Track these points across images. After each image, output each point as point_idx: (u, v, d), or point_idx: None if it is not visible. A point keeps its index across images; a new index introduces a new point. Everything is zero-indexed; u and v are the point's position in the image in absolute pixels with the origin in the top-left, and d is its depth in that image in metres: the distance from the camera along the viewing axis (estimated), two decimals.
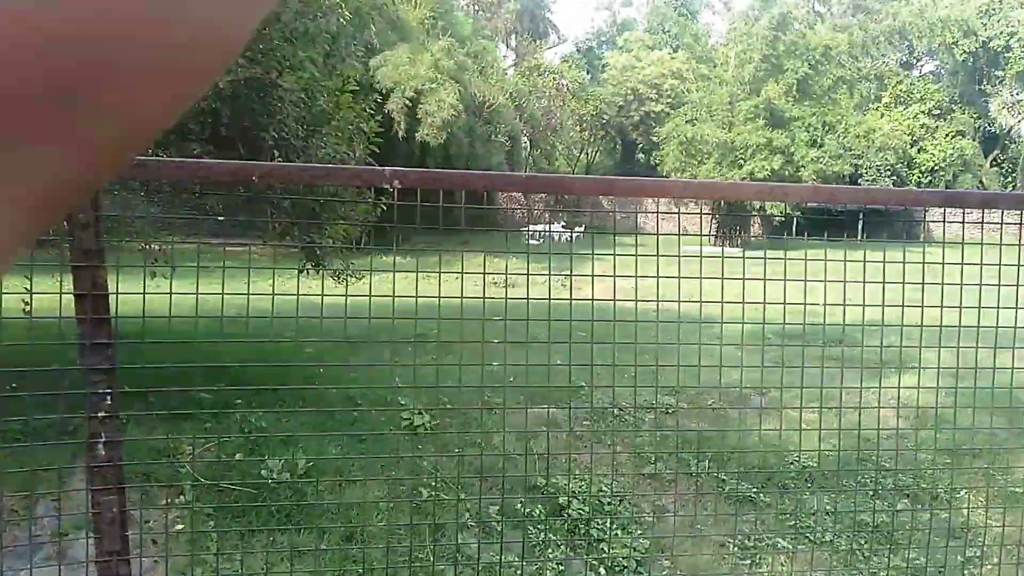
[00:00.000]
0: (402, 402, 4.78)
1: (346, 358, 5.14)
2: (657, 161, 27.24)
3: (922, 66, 38.69)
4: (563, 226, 29.31)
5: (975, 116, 35.31)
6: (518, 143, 23.54)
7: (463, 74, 18.22)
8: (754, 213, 25.08)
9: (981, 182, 36.02)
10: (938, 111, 34.72)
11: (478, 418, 4.79)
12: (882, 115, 32.07)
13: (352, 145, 4.99)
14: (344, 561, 3.66)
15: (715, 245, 24.70)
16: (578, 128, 37.93)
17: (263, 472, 3.75)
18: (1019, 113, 34.48)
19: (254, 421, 4.23)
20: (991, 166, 37.17)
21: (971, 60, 34.50)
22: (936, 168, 33.79)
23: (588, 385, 5.44)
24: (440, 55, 17.23)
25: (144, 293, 2.11)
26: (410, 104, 16.82)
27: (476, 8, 38.74)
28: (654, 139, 29.67)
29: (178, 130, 4.49)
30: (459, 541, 3.85)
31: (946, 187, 33.98)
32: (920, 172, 33.99)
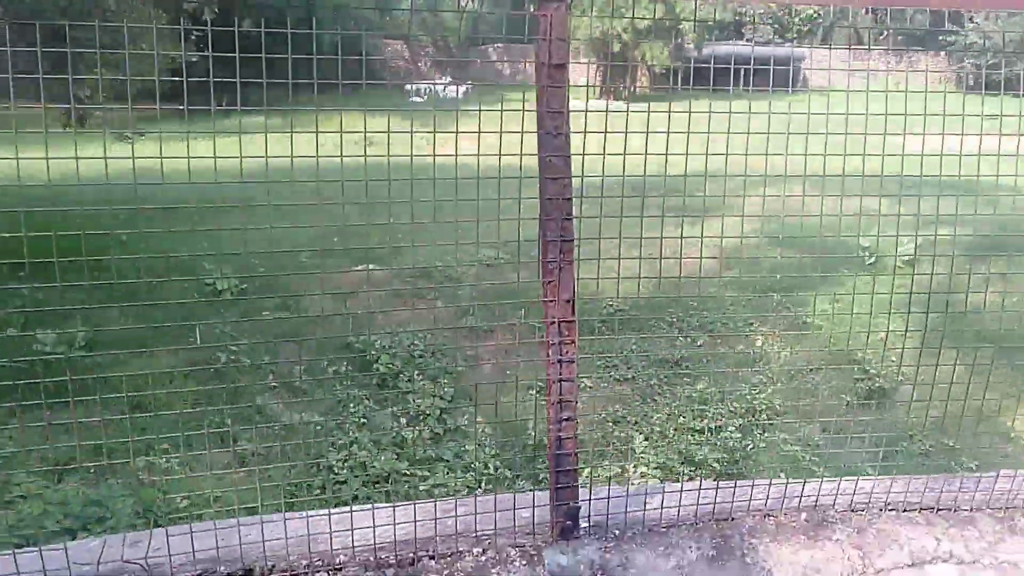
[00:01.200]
0: (208, 267, 4.55)
1: (144, 227, 4.79)
2: None
3: None
4: (449, 81, 28.01)
5: None
6: None
7: None
8: (638, 64, 24.78)
9: (856, 30, 36.83)
10: None
11: (292, 281, 4.65)
12: None
13: None
14: (131, 431, 3.56)
15: (599, 98, 24.47)
16: None
17: (35, 347, 3.52)
18: None
19: (29, 295, 3.92)
20: (866, 13, 37.89)
21: None
22: (815, 16, 34.27)
23: (411, 244, 5.37)
24: None
25: None
26: None
27: None
28: None
29: None
30: (258, 403, 3.82)
31: (823, 34, 34.66)
32: (800, 19, 34.43)
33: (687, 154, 2.07)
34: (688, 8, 22.94)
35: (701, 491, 1.77)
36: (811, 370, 4.59)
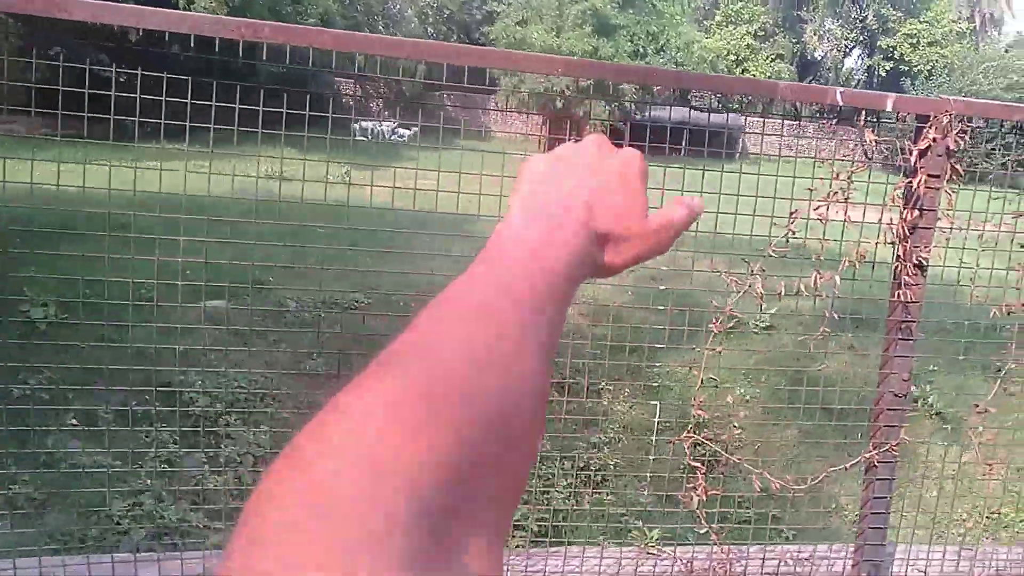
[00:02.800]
0: (28, 295, 4.32)
1: None
2: None
3: None
4: (396, 124, 28.13)
5: (794, 42, 37.31)
6: (332, 27, 21.96)
7: None
8: (583, 118, 25.41)
9: (795, 106, 38.54)
10: (763, 33, 36.32)
11: (121, 314, 4.43)
12: (713, 33, 33.08)
13: None
14: None
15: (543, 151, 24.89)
16: (417, 20, 36.29)
17: None
18: (828, 41, 36.83)
19: None
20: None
21: None
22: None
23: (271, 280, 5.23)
24: None
25: None
26: None
27: None
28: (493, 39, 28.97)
29: None
30: (49, 444, 3.59)
31: (763, 108, 36.10)
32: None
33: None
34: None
35: None
36: (653, 432, 4.57)
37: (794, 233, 2.19)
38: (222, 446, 3.78)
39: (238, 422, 3.92)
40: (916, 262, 2.13)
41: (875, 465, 2.19)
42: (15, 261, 4.25)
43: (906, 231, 2.14)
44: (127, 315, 4.49)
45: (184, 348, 4.52)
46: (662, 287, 4.93)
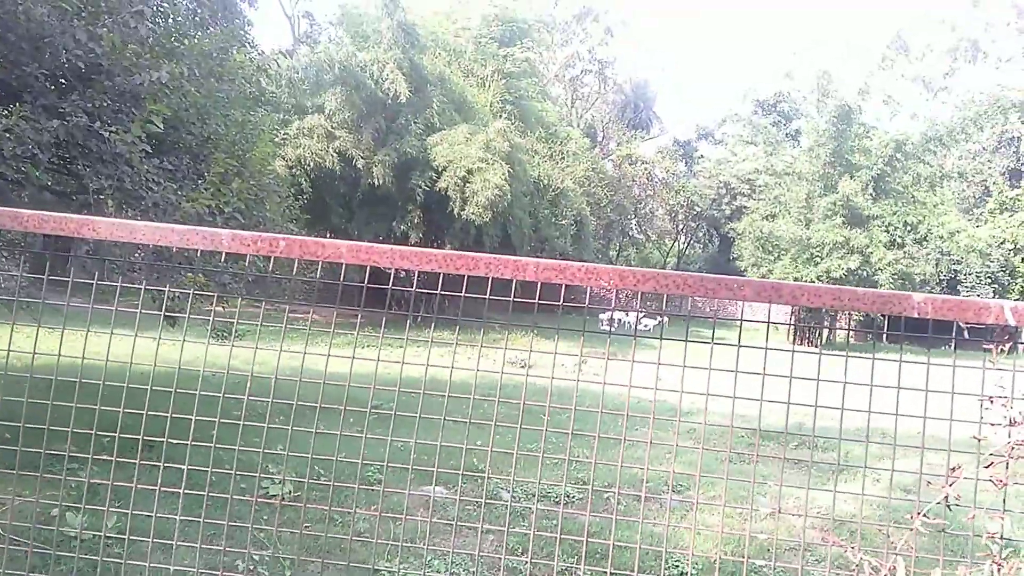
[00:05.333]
0: (272, 471, 4.85)
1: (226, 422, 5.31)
2: (735, 255, 26.65)
3: None
4: (644, 314, 28.50)
5: None
6: (584, 227, 23.69)
7: (519, 156, 18.76)
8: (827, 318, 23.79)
9: None
10: None
11: (351, 494, 4.77)
12: (986, 221, 29.98)
13: (228, 202, 5.29)
14: None
15: (792, 343, 23.54)
16: (668, 218, 37.85)
17: (64, 529, 3.63)
18: None
19: (85, 478, 4.27)
20: None
21: None
22: None
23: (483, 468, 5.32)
24: (494, 136, 18.03)
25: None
26: (460, 182, 17.51)
27: (574, 98, 40.19)
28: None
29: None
30: None
31: None
32: None
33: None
34: (886, 258, 22.05)
35: None
36: None
37: None
38: None
39: None
40: None
41: None
42: (272, 436, 4.86)
43: None
44: (354, 495, 4.82)
45: (395, 535, 4.71)
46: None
